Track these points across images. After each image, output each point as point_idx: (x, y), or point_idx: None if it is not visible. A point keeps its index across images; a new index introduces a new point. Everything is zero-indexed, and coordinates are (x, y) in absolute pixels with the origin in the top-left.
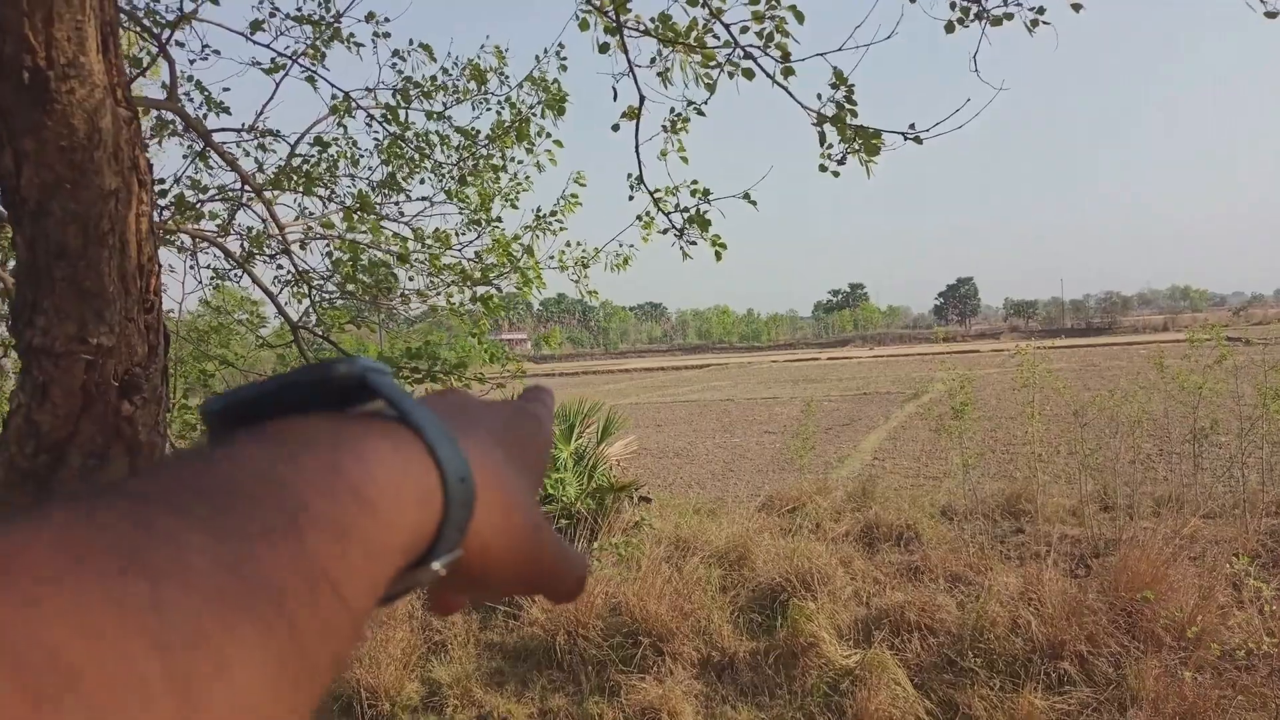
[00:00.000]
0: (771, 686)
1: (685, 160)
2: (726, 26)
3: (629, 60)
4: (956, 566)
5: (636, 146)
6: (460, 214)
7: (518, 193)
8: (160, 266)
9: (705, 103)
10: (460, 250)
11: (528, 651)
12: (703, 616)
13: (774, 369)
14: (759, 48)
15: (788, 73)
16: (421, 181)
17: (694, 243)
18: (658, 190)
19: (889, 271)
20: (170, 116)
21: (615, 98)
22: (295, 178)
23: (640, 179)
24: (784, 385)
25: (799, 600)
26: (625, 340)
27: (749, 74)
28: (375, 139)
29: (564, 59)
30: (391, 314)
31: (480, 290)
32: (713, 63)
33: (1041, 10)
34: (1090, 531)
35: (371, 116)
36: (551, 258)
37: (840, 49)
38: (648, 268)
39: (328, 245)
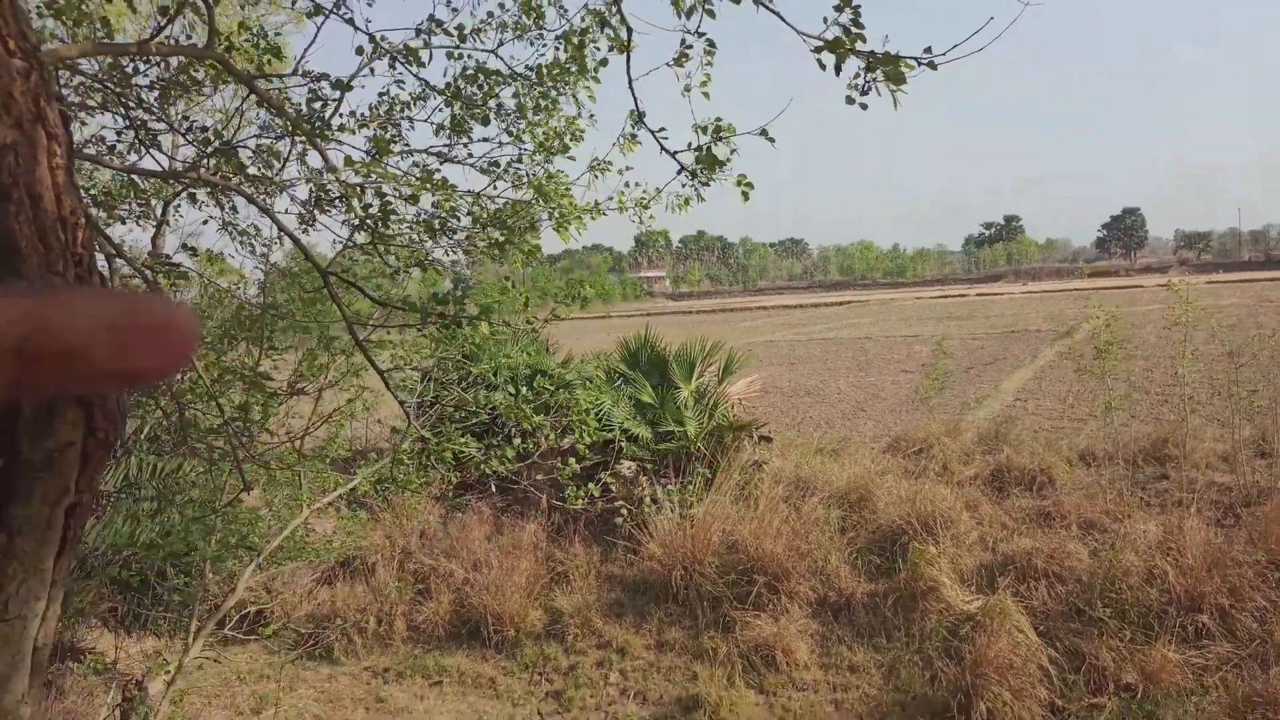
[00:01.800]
0: (889, 629)
1: (707, 96)
2: None
3: None
4: (1091, 513)
5: (629, 82)
6: (523, 157)
7: (577, 134)
8: (87, 219)
9: (697, 33)
10: (478, 195)
11: (646, 585)
12: (820, 556)
13: (918, 306)
14: None
15: None
16: (485, 123)
17: (706, 183)
18: (661, 130)
19: (1047, 204)
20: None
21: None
22: (353, 124)
23: (639, 116)
24: (927, 323)
25: (920, 544)
26: (764, 277)
27: None
28: (426, 85)
29: None
30: (411, 257)
31: (494, 234)
32: None
33: None
34: (1242, 479)
35: (394, 57)
36: (610, 198)
37: None
38: (786, 203)
39: (368, 190)
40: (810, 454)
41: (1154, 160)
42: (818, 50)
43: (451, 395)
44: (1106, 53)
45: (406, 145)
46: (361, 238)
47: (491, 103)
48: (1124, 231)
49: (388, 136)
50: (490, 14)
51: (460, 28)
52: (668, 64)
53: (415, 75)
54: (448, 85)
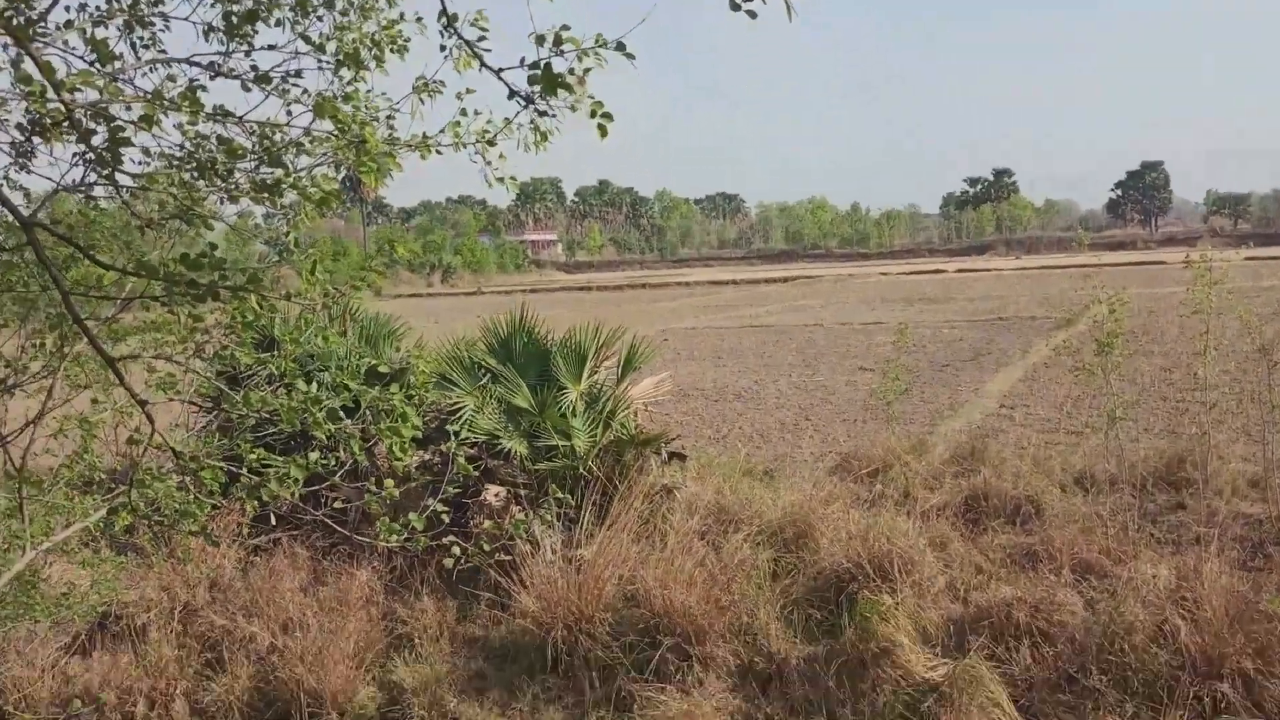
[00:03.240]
0: (832, 704)
1: None
2: None
3: None
4: (1088, 553)
5: None
6: (320, 69)
7: (399, 44)
8: None
9: None
10: (240, 119)
11: (516, 650)
12: (745, 611)
13: (883, 284)
14: None
15: None
16: (252, 20)
17: (545, 112)
18: (482, 38)
19: (1047, 156)
20: None
21: None
22: (84, 20)
23: (450, 19)
24: (893, 306)
25: (873, 593)
26: (688, 243)
27: None
28: None
29: None
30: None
31: (265, 174)
32: None
33: None
34: (1275, 509)
35: None
36: (441, 131)
37: None
38: (715, 149)
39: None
40: (736, 477)
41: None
42: None
43: (236, 399)
44: None
45: (161, 52)
46: (95, 179)
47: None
48: (1142, 192)
49: (132, 38)
50: None
51: None
52: None
53: None
54: None
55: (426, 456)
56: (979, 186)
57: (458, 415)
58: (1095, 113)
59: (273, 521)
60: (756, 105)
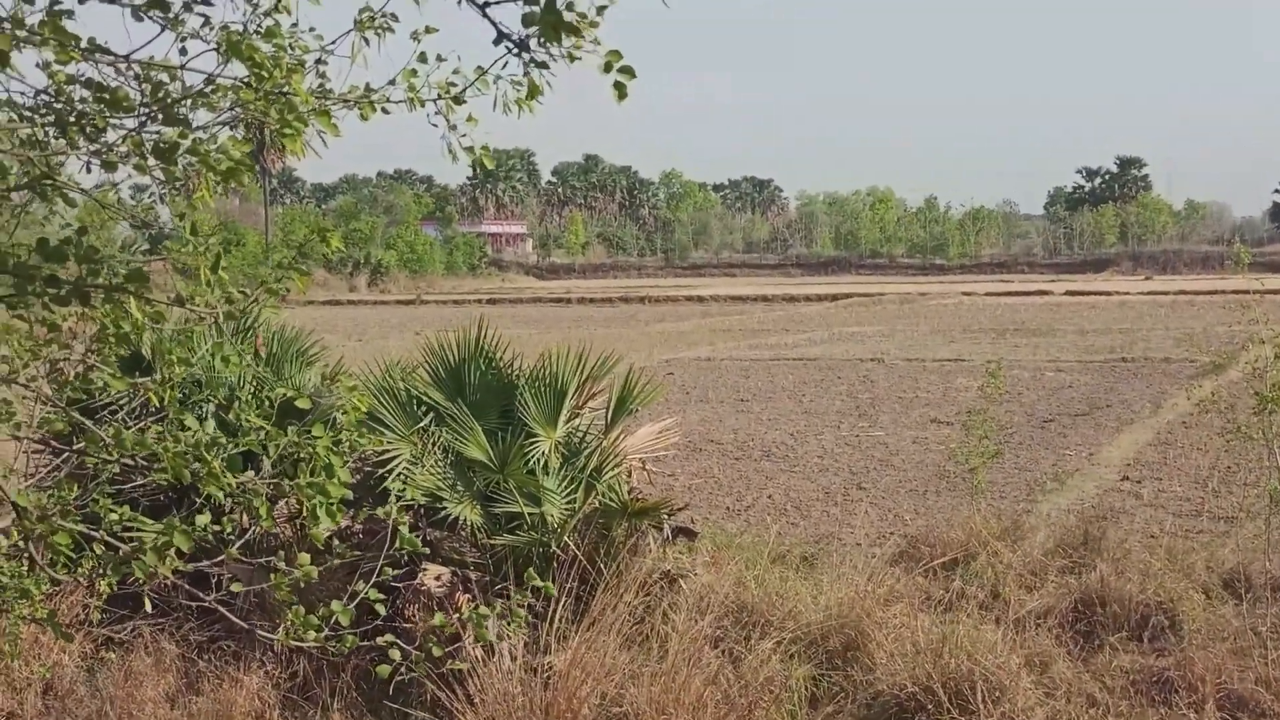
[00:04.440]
0: None
1: None
2: None
3: None
4: (1241, 683)
5: None
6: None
7: None
8: None
9: None
10: (124, 58)
11: None
12: None
13: (966, 308)
14: None
15: None
16: None
17: (543, 64)
18: None
19: (1191, 147)
20: None
21: None
22: None
23: None
24: (980, 337)
25: None
26: (704, 244)
27: None
28: None
29: None
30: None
31: (151, 133)
32: None
33: None
34: None
35: None
36: (391, 83)
37: None
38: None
39: None
40: (764, 564)
41: None
42: None
43: (102, 433)
44: None
45: None
46: None
47: None
48: None
49: None
50: None
51: None
52: None
53: None
54: None
55: (348, 525)
56: (1098, 181)
57: (388, 467)
58: (1257, 87)
59: (145, 607)
60: (803, 64)
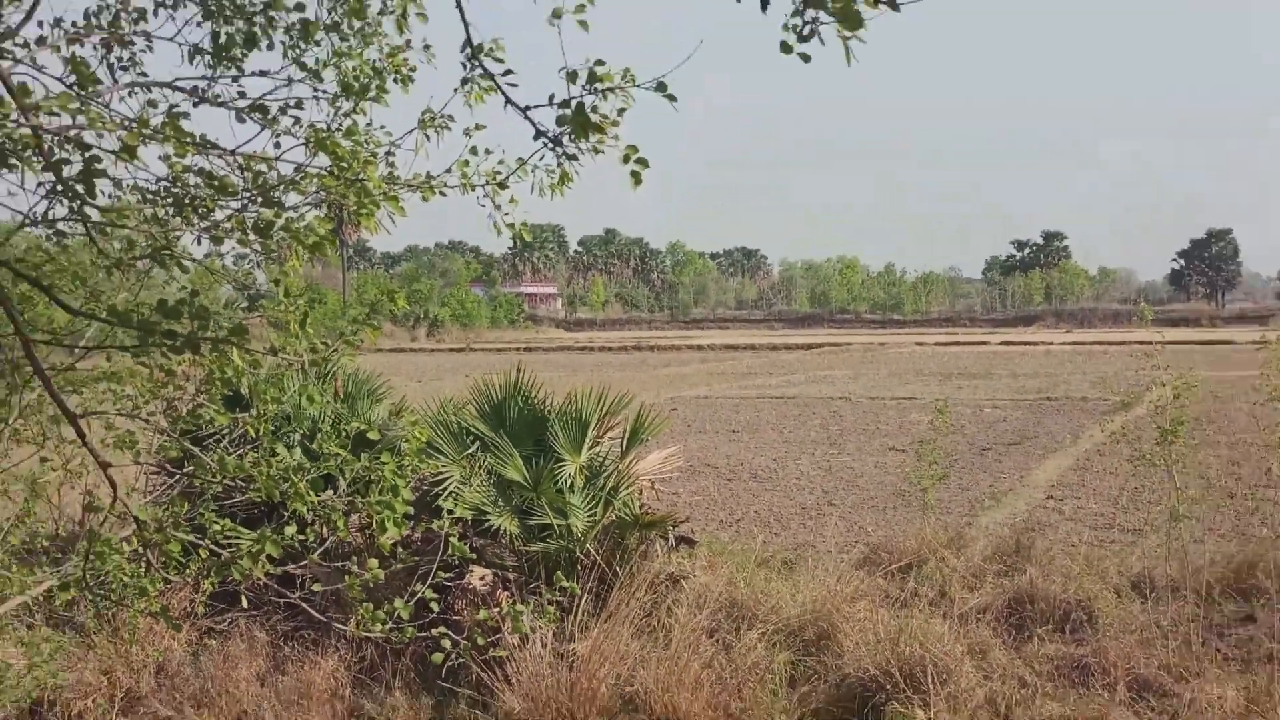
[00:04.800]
0: None
1: (584, 26)
2: None
3: None
4: (1146, 668)
5: (458, 2)
6: (318, 100)
7: (403, 74)
8: None
9: None
10: (231, 152)
11: None
12: None
13: (919, 355)
14: None
15: None
16: (252, 44)
17: (574, 156)
18: (508, 73)
19: (1104, 219)
20: None
21: None
22: (58, 38)
23: (474, 50)
24: (929, 380)
25: (903, 705)
26: (702, 302)
27: None
28: None
29: None
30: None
31: (251, 213)
32: None
33: None
34: None
35: None
36: (448, 170)
37: None
38: (732, 203)
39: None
40: (751, 567)
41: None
42: None
43: (209, 459)
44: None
45: (141, 74)
46: (63, 213)
47: (280, 16)
48: (1209, 264)
49: (110, 59)
50: None
51: None
52: None
53: None
54: None
55: (408, 533)
56: (1027, 250)
57: (443, 486)
58: (1160, 167)
59: (241, 603)
60: (786, 145)
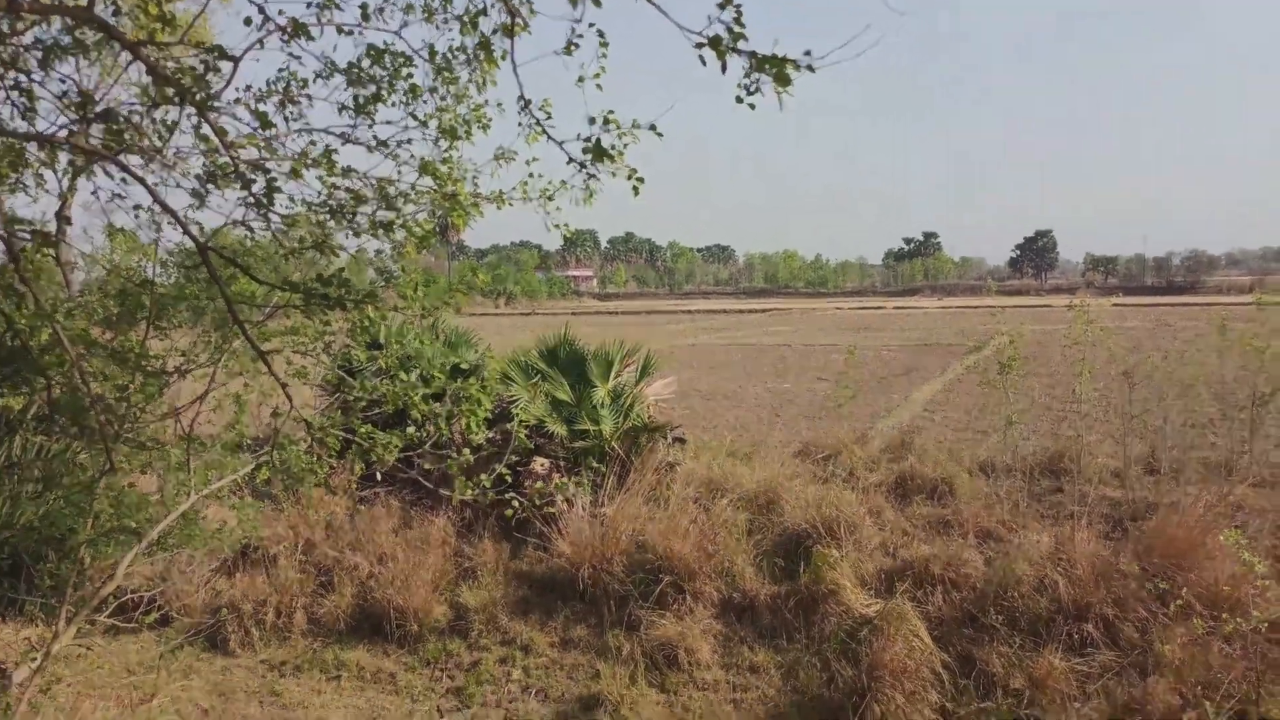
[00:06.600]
0: (790, 630)
1: (599, 87)
2: None
3: None
4: (988, 523)
5: (514, 66)
6: (425, 140)
7: (484, 121)
8: None
9: (581, 21)
10: (364, 174)
11: (553, 583)
12: (726, 558)
13: (837, 316)
14: None
15: None
16: (378, 101)
17: (594, 175)
18: (549, 118)
19: (965, 222)
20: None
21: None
22: (249, 98)
23: (525, 102)
24: (845, 333)
25: (824, 548)
26: (691, 281)
27: None
28: (330, 63)
29: None
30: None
31: (382, 214)
32: None
33: None
34: (1131, 494)
35: (285, 31)
36: (513, 189)
37: None
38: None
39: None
40: (723, 456)
41: (1077, 182)
42: (699, 46)
43: (354, 385)
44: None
45: (306, 123)
46: (253, 217)
47: (399, 84)
48: (1036, 253)
49: (284, 113)
50: None
51: (364, 5)
52: (556, 52)
53: (317, 55)
54: (350, 65)
55: (491, 435)
56: (913, 245)
57: (515, 404)
58: (1005, 182)
59: (377, 479)
60: (749, 169)
